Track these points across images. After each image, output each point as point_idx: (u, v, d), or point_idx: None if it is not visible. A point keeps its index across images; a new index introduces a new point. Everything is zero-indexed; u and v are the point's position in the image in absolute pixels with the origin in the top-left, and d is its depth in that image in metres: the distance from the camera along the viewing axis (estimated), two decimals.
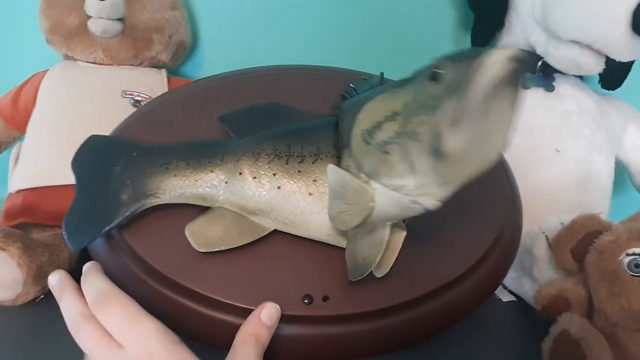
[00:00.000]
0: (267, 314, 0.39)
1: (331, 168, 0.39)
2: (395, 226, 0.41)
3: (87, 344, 0.37)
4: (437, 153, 0.32)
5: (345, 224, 0.40)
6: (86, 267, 0.41)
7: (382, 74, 0.51)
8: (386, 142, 0.35)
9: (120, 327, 0.37)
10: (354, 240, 0.41)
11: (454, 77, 0.31)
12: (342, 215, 0.39)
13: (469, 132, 0.30)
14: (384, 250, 0.40)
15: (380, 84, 0.48)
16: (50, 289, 0.41)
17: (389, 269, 0.41)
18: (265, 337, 0.39)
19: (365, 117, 0.38)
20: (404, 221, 0.42)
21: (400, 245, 0.42)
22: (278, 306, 0.40)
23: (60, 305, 0.39)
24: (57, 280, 0.41)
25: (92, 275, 0.40)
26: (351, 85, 0.50)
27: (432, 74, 0.32)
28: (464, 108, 0.30)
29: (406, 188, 0.35)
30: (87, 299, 0.38)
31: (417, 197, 0.36)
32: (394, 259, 0.42)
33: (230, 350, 0.38)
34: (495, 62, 0.28)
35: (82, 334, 0.37)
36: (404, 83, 0.36)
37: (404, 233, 0.42)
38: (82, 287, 0.39)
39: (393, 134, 0.35)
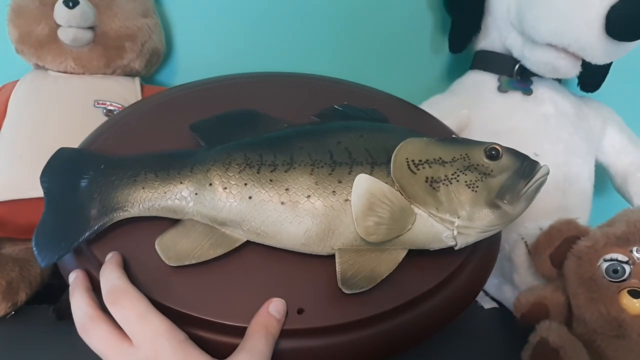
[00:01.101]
0: (274, 307, 0.40)
1: (375, 181, 0.42)
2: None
3: (96, 345, 0.38)
4: (493, 206, 0.42)
5: (376, 235, 0.41)
6: (108, 257, 0.42)
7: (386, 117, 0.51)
8: (434, 180, 0.42)
9: (130, 324, 0.38)
10: (361, 252, 0.42)
11: (509, 164, 0.43)
12: (380, 227, 0.41)
13: (522, 203, 0.43)
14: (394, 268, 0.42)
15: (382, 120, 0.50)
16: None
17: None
18: (276, 328, 0.40)
19: (409, 149, 0.43)
20: None
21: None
22: (284, 300, 0.41)
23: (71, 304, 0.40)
24: (72, 279, 0.42)
25: (109, 268, 0.40)
26: (345, 103, 0.50)
27: (490, 153, 0.43)
28: (527, 188, 0.43)
29: (452, 224, 0.42)
30: (102, 290, 0.39)
31: (456, 235, 0.42)
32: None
33: (241, 342, 0.39)
34: (545, 171, 0.43)
35: (91, 336, 0.38)
36: (451, 141, 0.45)
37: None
38: (100, 277, 0.40)
39: (442, 177, 0.42)
